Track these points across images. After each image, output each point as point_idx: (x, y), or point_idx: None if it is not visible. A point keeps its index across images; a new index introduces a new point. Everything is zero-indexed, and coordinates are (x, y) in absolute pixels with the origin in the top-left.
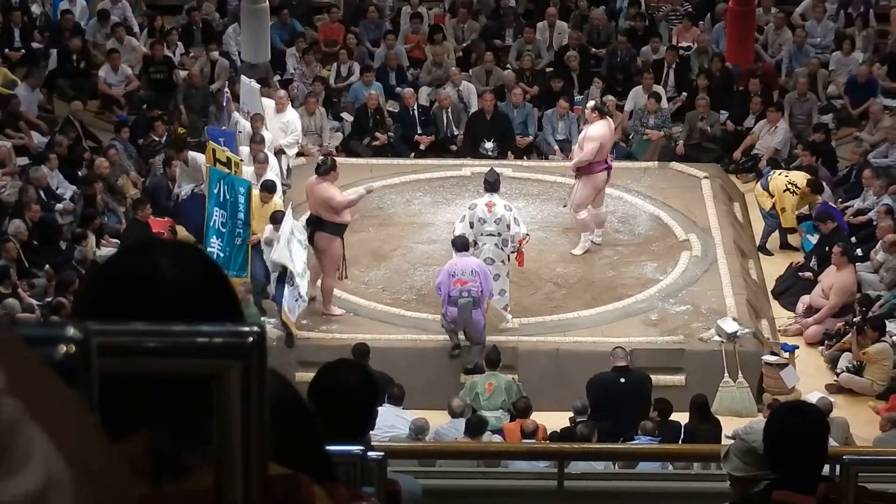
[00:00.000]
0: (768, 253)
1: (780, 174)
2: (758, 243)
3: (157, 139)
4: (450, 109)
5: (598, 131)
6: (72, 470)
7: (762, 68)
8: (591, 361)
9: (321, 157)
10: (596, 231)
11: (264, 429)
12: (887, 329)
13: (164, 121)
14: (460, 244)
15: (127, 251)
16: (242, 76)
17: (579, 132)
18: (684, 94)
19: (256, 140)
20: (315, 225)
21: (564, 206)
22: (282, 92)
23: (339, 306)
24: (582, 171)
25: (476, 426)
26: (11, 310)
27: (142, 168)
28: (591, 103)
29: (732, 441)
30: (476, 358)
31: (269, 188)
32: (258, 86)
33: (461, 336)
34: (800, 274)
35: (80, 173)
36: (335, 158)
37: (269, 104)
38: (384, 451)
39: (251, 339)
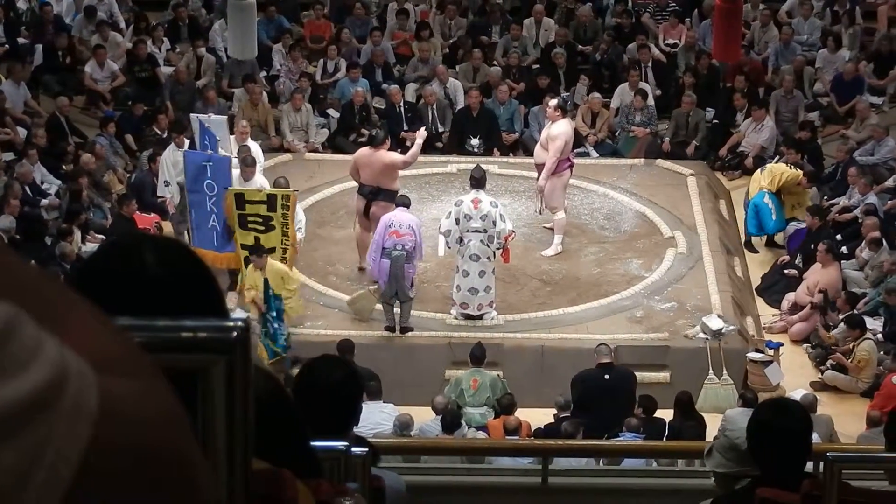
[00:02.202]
0: (753, 250)
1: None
2: (743, 240)
3: (158, 132)
4: (435, 106)
5: (561, 129)
6: (90, 362)
7: (750, 64)
8: (575, 358)
9: (373, 130)
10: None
11: (248, 424)
12: (870, 326)
13: (167, 114)
14: (404, 202)
15: (111, 246)
16: (195, 115)
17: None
18: (658, 90)
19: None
20: (372, 195)
21: (538, 213)
22: (244, 122)
23: (325, 304)
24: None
25: (451, 422)
26: None
27: (127, 164)
28: (553, 102)
29: (716, 438)
30: (408, 317)
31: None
32: (223, 117)
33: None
34: (785, 271)
35: (63, 167)
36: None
37: (230, 137)
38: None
39: (235, 334)
